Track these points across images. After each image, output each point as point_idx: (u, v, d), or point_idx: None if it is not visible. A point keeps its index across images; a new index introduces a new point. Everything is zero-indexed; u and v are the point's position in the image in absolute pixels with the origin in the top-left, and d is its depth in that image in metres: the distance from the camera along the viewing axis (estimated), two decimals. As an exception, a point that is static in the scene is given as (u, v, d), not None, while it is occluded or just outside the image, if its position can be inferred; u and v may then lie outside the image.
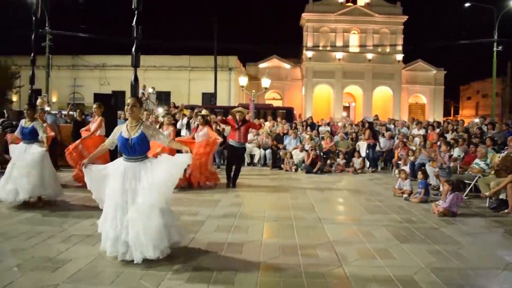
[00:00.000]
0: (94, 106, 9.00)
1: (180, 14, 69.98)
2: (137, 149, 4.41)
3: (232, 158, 9.48)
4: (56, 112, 17.42)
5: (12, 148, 7.19)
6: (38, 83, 32.03)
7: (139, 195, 4.24)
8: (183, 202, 7.55)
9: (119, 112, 10.63)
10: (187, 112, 15.17)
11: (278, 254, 4.78)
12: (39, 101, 10.41)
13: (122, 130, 4.52)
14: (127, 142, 4.41)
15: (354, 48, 41.39)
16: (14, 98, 31.90)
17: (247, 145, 11.50)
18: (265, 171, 12.65)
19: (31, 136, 6.93)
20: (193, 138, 9.75)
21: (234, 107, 27.38)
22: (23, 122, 7.05)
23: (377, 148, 13.95)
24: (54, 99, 34.89)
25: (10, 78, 29.87)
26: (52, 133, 9.57)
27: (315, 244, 5.16)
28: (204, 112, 9.65)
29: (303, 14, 41.31)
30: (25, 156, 6.77)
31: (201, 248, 4.90)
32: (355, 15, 40.74)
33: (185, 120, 12.44)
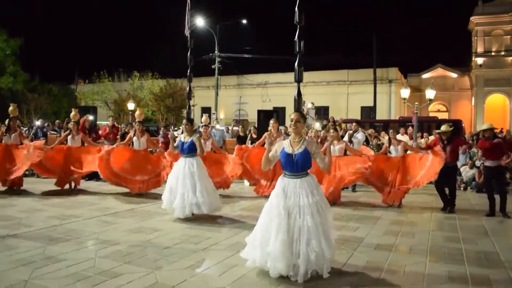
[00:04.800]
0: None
1: (338, 28, 70.11)
2: (300, 165, 4.38)
3: (442, 178, 8.74)
4: (224, 128, 18.75)
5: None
6: (208, 101, 35.55)
7: (306, 214, 4.23)
8: (340, 217, 7.57)
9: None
10: (343, 125, 15.67)
11: (445, 281, 4.41)
12: (203, 118, 10.77)
13: (285, 145, 4.48)
14: (290, 158, 4.40)
15: (534, 50, 36.41)
16: (188, 115, 34.97)
17: None
18: (430, 189, 10.94)
19: (189, 150, 7.08)
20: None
21: (395, 120, 26.94)
22: (182, 137, 7.19)
23: None
24: (221, 116, 37.73)
25: (186, 98, 32.39)
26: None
27: (488, 274, 4.64)
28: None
29: (472, 18, 37.73)
30: (186, 171, 6.93)
31: (359, 266, 4.79)
32: (536, 13, 35.81)
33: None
